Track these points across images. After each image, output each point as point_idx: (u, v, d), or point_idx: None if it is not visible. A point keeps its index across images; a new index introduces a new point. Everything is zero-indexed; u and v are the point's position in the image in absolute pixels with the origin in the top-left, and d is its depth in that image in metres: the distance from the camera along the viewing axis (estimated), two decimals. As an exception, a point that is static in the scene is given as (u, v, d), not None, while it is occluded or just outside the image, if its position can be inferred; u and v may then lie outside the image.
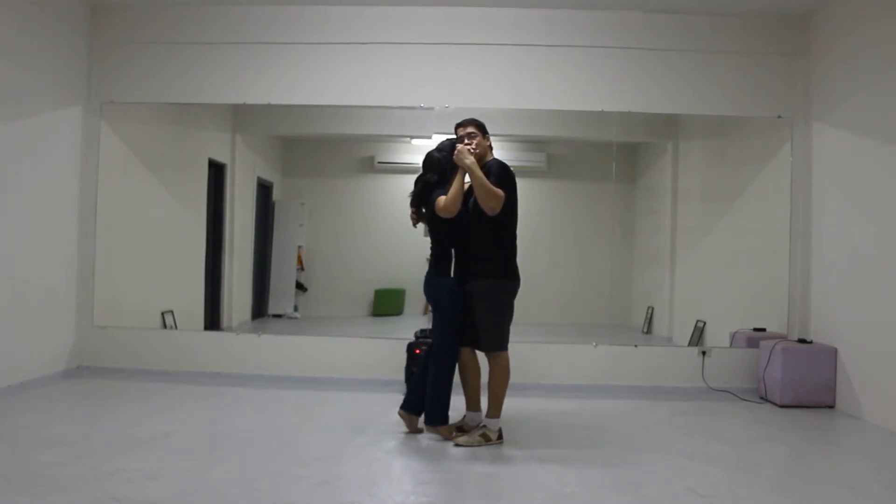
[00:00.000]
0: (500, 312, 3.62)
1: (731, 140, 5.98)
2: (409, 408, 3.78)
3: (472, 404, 3.81)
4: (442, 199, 3.55)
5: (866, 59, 4.50)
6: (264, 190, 7.15)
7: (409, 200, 3.81)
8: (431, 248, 3.75)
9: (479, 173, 3.44)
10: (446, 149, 3.68)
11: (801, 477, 3.32)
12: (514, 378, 4.92)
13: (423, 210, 3.74)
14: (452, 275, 3.64)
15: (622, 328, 6.66)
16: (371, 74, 5.28)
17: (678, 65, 5.24)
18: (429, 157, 3.74)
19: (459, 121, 3.77)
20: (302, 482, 2.97)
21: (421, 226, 3.86)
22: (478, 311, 3.60)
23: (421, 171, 3.77)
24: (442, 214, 3.56)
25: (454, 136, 3.76)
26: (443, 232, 3.66)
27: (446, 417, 3.69)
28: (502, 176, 3.50)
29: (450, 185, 3.58)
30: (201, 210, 6.22)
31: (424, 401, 3.73)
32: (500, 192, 3.43)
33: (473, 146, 3.58)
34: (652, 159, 7.00)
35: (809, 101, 5.16)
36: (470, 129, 3.67)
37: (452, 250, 3.66)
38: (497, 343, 3.62)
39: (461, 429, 3.76)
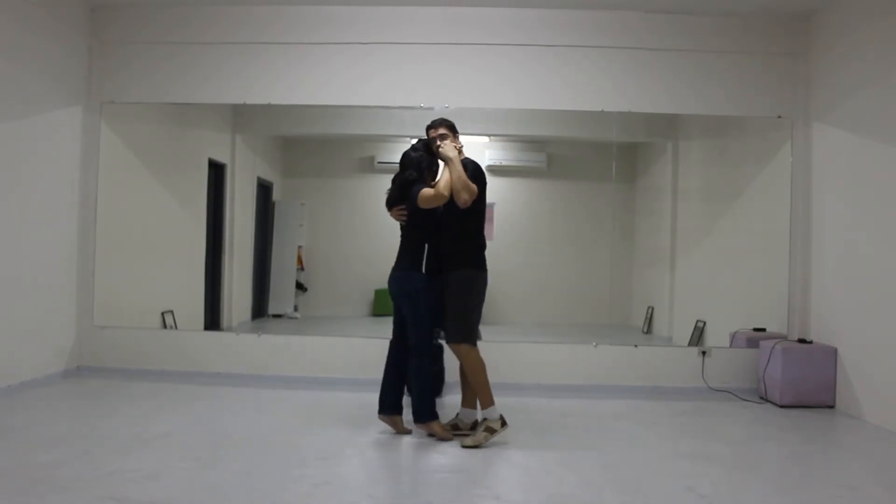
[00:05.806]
0: (469, 302, 3.71)
1: (731, 140, 5.98)
2: (389, 410, 3.81)
3: (468, 402, 3.84)
4: (428, 190, 3.68)
5: (866, 59, 4.50)
6: (264, 190, 7.14)
7: (385, 200, 3.91)
8: (402, 244, 3.85)
9: (461, 167, 3.67)
10: (421, 148, 3.88)
11: (801, 477, 3.33)
12: (513, 378, 4.95)
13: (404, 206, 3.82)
14: (424, 270, 3.72)
15: (622, 328, 6.66)
16: (371, 74, 5.28)
17: (678, 65, 5.24)
18: (406, 156, 3.88)
19: (429, 122, 3.94)
20: (302, 482, 2.98)
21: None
22: (448, 301, 3.69)
23: (398, 170, 3.89)
24: (431, 203, 3.67)
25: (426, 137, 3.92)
26: (421, 226, 3.76)
27: (435, 413, 3.73)
28: (476, 173, 3.73)
29: (428, 181, 3.80)
30: (201, 210, 6.22)
31: (401, 397, 3.82)
32: (474, 186, 3.65)
33: (459, 144, 3.84)
34: (652, 159, 6.99)
35: (809, 101, 5.16)
36: (442, 131, 3.87)
37: (426, 245, 3.74)
38: (465, 334, 3.67)
39: (456, 426, 3.79)
